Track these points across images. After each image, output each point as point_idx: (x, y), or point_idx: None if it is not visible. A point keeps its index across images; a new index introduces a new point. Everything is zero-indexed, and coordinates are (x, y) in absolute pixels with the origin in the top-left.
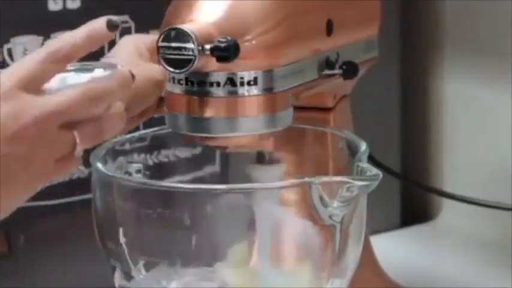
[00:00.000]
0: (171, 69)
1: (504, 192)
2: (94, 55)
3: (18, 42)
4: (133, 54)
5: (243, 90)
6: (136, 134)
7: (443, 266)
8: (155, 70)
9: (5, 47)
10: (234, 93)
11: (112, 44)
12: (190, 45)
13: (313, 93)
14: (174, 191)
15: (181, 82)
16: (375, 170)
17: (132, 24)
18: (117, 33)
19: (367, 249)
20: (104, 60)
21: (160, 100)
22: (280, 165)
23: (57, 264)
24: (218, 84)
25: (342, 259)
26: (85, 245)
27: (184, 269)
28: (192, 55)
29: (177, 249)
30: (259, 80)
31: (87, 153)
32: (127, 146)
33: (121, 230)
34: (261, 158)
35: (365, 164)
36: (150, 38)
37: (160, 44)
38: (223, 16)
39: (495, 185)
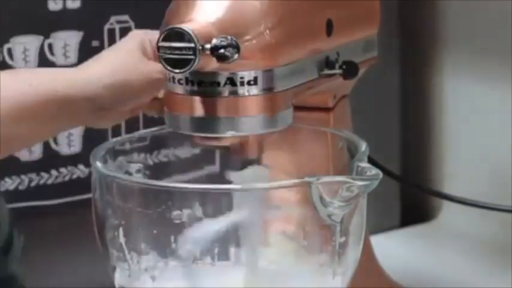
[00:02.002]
0: (171, 69)
1: (504, 192)
2: (96, 49)
3: (18, 42)
4: (136, 50)
5: (243, 90)
6: (136, 134)
7: (442, 266)
8: (154, 69)
9: (5, 46)
10: (234, 93)
11: (112, 43)
12: (190, 45)
13: (313, 93)
14: (174, 191)
15: (181, 82)
16: (374, 170)
17: (132, 24)
18: (117, 33)
19: (367, 249)
20: (105, 52)
21: (154, 100)
22: (260, 167)
23: (57, 264)
24: (218, 84)
25: (342, 259)
26: (85, 245)
27: (184, 268)
28: (192, 55)
29: (177, 249)
30: (259, 80)
31: None
32: (127, 146)
33: (121, 230)
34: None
35: (365, 164)
36: (156, 35)
37: (161, 43)
38: (223, 16)
39: (495, 185)
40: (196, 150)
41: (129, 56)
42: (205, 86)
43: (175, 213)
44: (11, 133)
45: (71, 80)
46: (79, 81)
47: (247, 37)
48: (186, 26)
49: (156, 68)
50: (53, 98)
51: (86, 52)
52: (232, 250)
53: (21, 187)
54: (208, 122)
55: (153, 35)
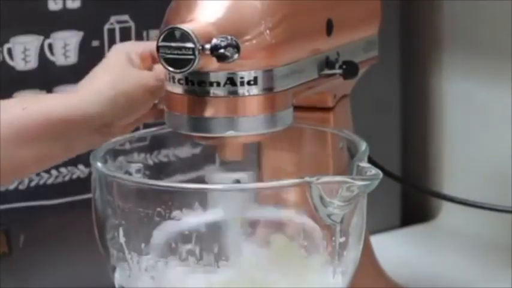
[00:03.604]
0: (171, 69)
1: (504, 192)
2: (93, 58)
3: (18, 42)
4: (124, 62)
5: (243, 90)
6: (136, 134)
7: (442, 266)
8: (147, 76)
9: (5, 46)
10: (234, 93)
11: (112, 43)
12: (190, 44)
13: (313, 93)
14: (174, 191)
15: (181, 82)
16: (374, 170)
17: (132, 24)
18: (117, 33)
19: (367, 249)
20: (96, 69)
21: (154, 106)
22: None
23: (57, 264)
24: (218, 84)
25: (342, 259)
26: (85, 245)
27: (184, 268)
28: (192, 55)
29: (177, 249)
30: (259, 80)
31: None
32: (127, 146)
33: (121, 230)
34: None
35: (365, 164)
36: (141, 45)
37: (161, 43)
38: (223, 16)
39: (494, 185)
40: (196, 150)
41: (121, 69)
42: (205, 85)
43: (175, 213)
44: (12, 157)
45: (69, 103)
46: (78, 102)
47: (247, 37)
48: (186, 26)
49: (151, 76)
50: (50, 121)
51: (86, 52)
52: (232, 250)
53: (21, 187)
54: (208, 122)
55: (135, 45)
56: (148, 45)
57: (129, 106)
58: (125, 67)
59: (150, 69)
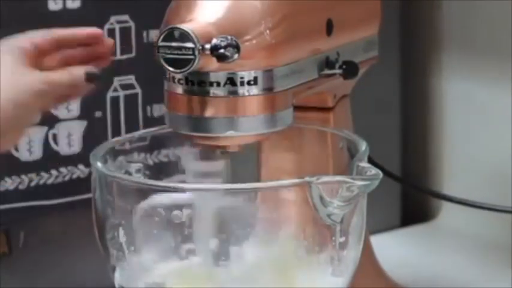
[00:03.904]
0: (171, 69)
1: (504, 192)
2: None
3: None
4: (12, 63)
5: (243, 90)
6: (136, 134)
7: (442, 266)
8: (35, 79)
9: None
10: (234, 93)
11: None
12: (190, 44)
13: (313, 93)
14: (174, 191)
15: (181, 82)
16: (374, 170)
17: (132, 24)
18: (117, 33)
19: (367, 249)
20: None
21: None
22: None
23: (57, 264)
24: (218, 84)
25: (342, 259)
26: (85, 245)
27: (184, 268)
28: (192, 55)
29: (178, 249)
30: (259, 80)
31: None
32: (127, 146)
33: (121, 230)
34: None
35: (365, 164)
36: (37, 38)
37: (161, 43)
38: (223, 16)
39: (494, 185)
40: (197, 150)
41: (6, 73)
42: (205, 85)
43: (175, 213)
44: None
45: None
46: None
47: (247, 37)
48: (186, 26)
49: (38, 79)
50: None
51: None
52: (232, 250)
53: (21, 187)
54: (208, 122)
55: (28, 39)
56: (44, 34)
57: (17, 113)
58: (10, 71)
59: (54, 61)
